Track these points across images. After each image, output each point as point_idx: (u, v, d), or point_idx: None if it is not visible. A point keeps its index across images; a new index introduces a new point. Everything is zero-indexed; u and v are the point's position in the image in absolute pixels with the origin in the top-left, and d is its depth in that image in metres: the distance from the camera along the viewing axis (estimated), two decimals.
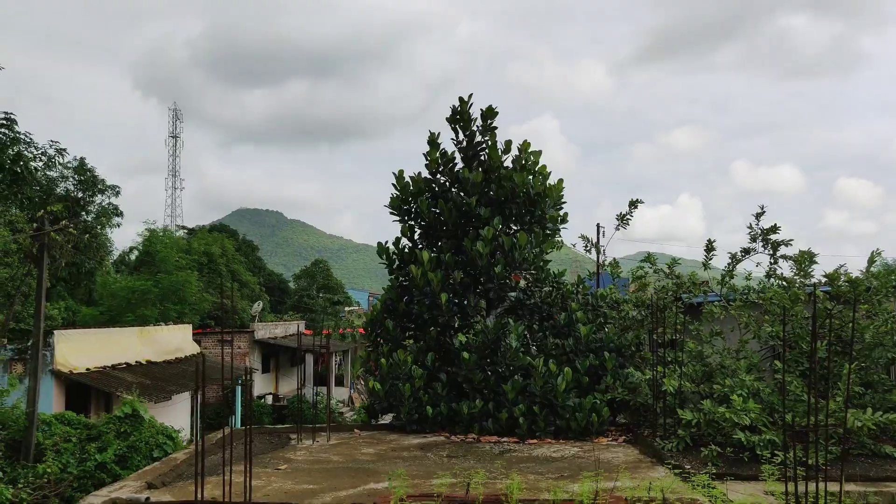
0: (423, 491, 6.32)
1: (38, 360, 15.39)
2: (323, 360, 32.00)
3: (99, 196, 36.89)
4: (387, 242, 11.91)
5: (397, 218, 11.80)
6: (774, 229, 11.54)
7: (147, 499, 6.37)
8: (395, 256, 11.86)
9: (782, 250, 11.43)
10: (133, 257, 43.59)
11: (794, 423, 6.95)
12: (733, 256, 12.13)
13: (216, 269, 42.18)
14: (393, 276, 11.84)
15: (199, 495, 5.84)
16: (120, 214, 37.83)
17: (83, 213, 35.84)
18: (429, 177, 11.59)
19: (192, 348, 27.22)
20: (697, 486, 5.67)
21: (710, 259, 12.37)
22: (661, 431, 8.89)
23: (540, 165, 11.22)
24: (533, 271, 11.04)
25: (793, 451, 6.13)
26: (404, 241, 11.94)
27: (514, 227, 11.42)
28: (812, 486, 5.73)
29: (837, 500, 5.69)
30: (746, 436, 7.95)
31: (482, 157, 11.30)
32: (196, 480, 5.84)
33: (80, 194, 36.06)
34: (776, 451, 7.35)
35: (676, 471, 7.05)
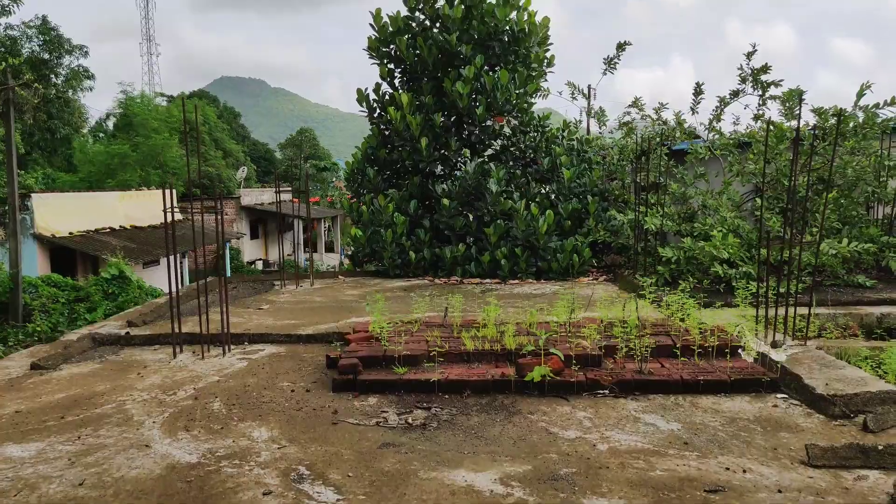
0: (403, 319, 6.41)
1: (16, 219, 15.18)
2: (312, 227, 32.15)
3: (67, 57, 35.15)
4: (367, 90, 11.41)
5: (376, 61, 11.21)
6: (765, 69, 11.09)
7: (127, 333, 6.43)
8: (375, 103, 11.40)
9: (772, 91, 11.07)
10: (110, 125, 42.33)
11: (769, 256, 7.00)
12: (722, 100, 11.75)
13: (193, 135, 40.99)
14: (374, 125, 11.45)
15: (177, 329, 5.88)
16: (91, 77, 36.25)
17: (51, 75, 34.27)
18: (408, 15, 10.86)
19: (176, 214, 27.06)
20: (671, 304, 5.74)
21: (698, 103, 12.00)
22: (641, 269, 9.00)
23: (524, 0, 10.50)
24: (516, 114, 10.66)
25: (766, 281, 6.20)
26: (385, 87, 11.44)
27: (498, 68, 10.89)
28: (782, 311, 5.86)
29: (806, 321, 5.82)
30: (724, 269, 8.06)
31: None
32: (172, 315, 5.85)
33: (46, 55, 34.30)
34: (751, 282, 7.47)
35: (652, 296, 7.18)
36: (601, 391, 4.52)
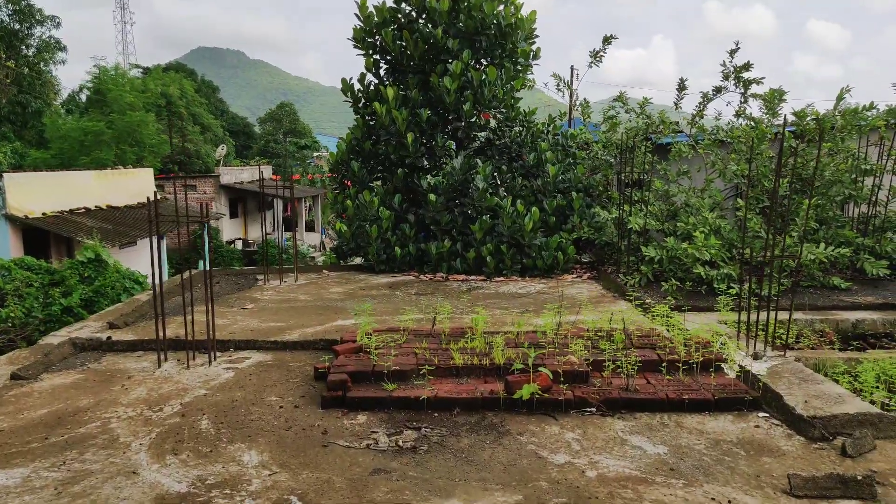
0: (390, 326, 6.41)
1: None
2: (292, 206, 31.75)
3: (38, 28, 34.15)
4: (351, 79, 11.27)
5: (361, 52, 11.06)
6: (747, 67, 11.19)
7: (108, 338, 6.34)
8: (360, 94, 11.27)
9: (753, 89, 11.17)
10: (83, 98, 41.31)
11: (750, 258, 7.10)
12: (705, 95, 11.81)
13: (175, 112, 40.27)
14: (358, 116, 11.32)
15: (161, 334, 5.82)
16: (63, 49, 35.36)
17: (23, 46, 33.31)
18: (393, 6, 10.69)
19: (153, 193, 26.60)
20: (656, 316, 5.81)
21: (682, 99, 12.05)
22: (624, 268, 9.08)
23: None
24: (503, 109, 10.61)
25: (748, 283, 6.29)
26: (370, 77, 11.31)
27: (484, 62, 10.80)
28: (763, 315, 5.97)
29: (785, 328, 5.93)
30: (705, 270, 8.16)
31: None
32: (157, 320, 5.78)
33: (16, 26, 33.28)
34: (732, 284, 7.59)
35: (637, 303, 7.27)
36: (589, 409, 4.58)
